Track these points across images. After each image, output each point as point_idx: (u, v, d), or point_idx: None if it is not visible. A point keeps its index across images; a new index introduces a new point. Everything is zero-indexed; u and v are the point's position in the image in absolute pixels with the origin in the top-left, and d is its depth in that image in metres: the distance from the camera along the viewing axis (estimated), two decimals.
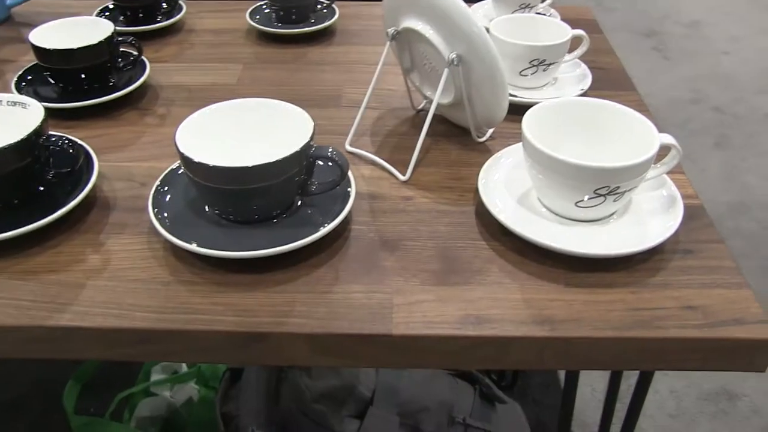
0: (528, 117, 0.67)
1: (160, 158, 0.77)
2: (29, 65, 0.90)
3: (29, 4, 1.11)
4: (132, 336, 0.58)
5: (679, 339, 0.58)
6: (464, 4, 0.71)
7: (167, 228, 0.63)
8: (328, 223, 0.64)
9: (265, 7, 1.07)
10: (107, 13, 1.07)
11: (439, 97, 0.74)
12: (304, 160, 0.64)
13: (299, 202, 0.68)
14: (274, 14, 1.05)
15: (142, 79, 0.87)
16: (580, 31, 0.89)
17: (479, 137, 0.81)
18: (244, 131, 0.68)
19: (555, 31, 0.88)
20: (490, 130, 0.81)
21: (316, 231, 0.63)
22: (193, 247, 0.61)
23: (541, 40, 0.86)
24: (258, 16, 1.06)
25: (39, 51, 0.83)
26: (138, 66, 0.89)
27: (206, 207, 0.67)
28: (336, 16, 1.05)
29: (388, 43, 0.78)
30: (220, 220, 0.66)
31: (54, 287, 0.61)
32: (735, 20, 2.98)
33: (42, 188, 0.69)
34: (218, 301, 0.60)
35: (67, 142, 0.68)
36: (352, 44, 1.03)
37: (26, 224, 0.64)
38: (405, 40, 0.78)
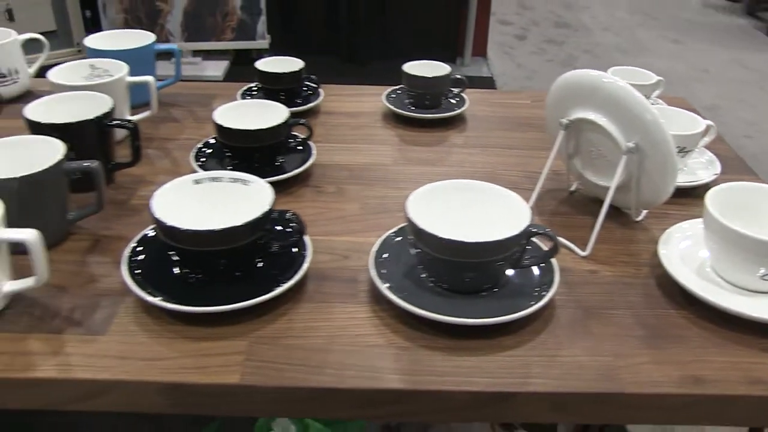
0: (710, 198, 0.74)
1: (352, 233, 0.83)
2: (201, 142, 0.96)
3: (172, 86, 1.18)
4: (387, 396, 0.63)
5: None
6: (639, 94, 0.79)
7: (400, 297, 0.69)
8: (545, 293, 0.70)
9: (399, 91, 1.15)
10: (252, 94, 1.14)
11: (616, 183, 0.81)
12: (525, 238, 0.70)
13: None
14: (407, 99, 1.13)
15: (313, 158, 0.93)
16: (709, 122, 0.97)
17: (636, 217, 0.87)
18: (460, 208, 0.74)
19: (685, 121, 0.96)
20: (645, 211, 0.88)
21: (534, 300, 0.69)
22: (433, 315, 0.67)
23: (674, 130, 0.93)
24: (394, 98, 1.14)
25: (222, 130, 0.90)
26: (305, 146, 0.96)
27: (422, 276, 0.73)
28: (467, 103, 1.13)
29: (561, 132, 0.86)
30: (435, 288, 0.72)
31: (299, 351, 0.66)
32: (747, 107, 3.15)
33: (262, 260, 0.74)
34: (460, 364, 0.65)
35: (292, 215, 0.73)
36: (486, 129, 1.11)
37: (258, 295, 0.69)
38: (574, 128, 0.86)
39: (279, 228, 0.76)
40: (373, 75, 3.09)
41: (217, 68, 3.10)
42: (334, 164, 0.98)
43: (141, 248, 0.76)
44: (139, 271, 0.72)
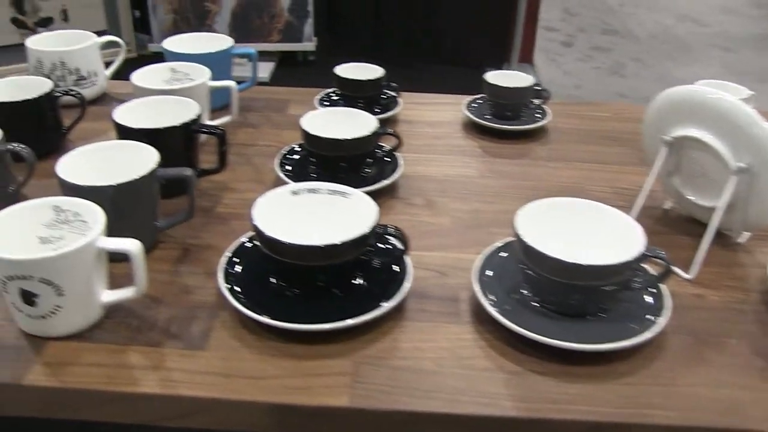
0: None
1: (447, 248, 0.81)
2: (285, 149, 0.95)
3: (245, 90, 1.16)
4: (505, 425, 0.61)
5: None
6: (751, 110, 0.75)
7: (508, 318, 0.66)
8: (657, 319, 0.67)
9: (480, 101, 1.13)
10: (331, 99, 1.12)
11: (724, 204, 0.77)
12: (640, 262, 0.67)
13: None
14: (488, 110, 1.10)
15: (401, 169, 0.91)
16: None
17: (738, 238, 0.84)
18: (569, 227, 0.72)
19: None
20: (748, 233, 0.85)
21: (645, 325, 0.67)
22: (546, 339, 0.64)
23: None
24: (475, 108, 1.11)
25: (310, 138, 0.88)
26: (391, 156, 0.94)
27: (526, 294, 0.70)
28: (550, 116, 1.10)
29: (664, 149, 0.83)
30: (540, 308, 0.69)
31: (408, 374, 0.64)
32: None
33: (361, 276, 0.72)
34: (575, 390, 0.62)
35: (395, 231, 0.71)
36: (568, 142, 1.08)
37: (361, 313, 0.67)
38: (676, 145, 0.83)
39: (379, 243, 0.74)
40: (420, 79, 3.07)
41: (263, 70, 3.09)
42: (419, 175, 0.96)
43: (236, 260, 0.74)
44: (236, 283, 0.70)
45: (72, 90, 0.99)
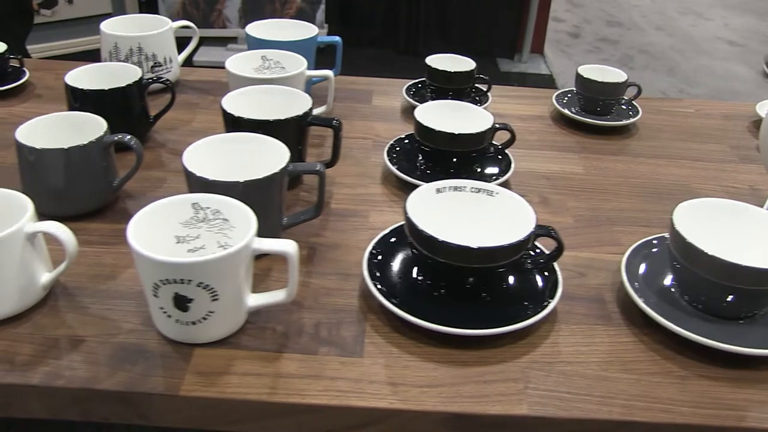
0: None
1: (576, 248, 0.79)
2: (393, 139, 0.93)
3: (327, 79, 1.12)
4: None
5: None
6: None
7: (669, 320, 0.65)
8: None
9: (569, 95, 1.11)
10: (416, 89, 1.09)
11: None
12: None
13: None
14: (577, 104, 1.08)
15: (513, 166, 0.89)
16: None
17: None
18: (727, 230, 0.70)
19: None
20: None
21: None
22: (714, 343, 0.63)
23: None
24: (565, 102, 1.09)
25: (424, 130, 0.85)
26: (501, 152, 0.91)
27: (675, 293, 0.69)
28: (641, 112, 1.08)
29: None
30: (689, 307, 0.68)
31: (579, 379, 0.62)
32: None
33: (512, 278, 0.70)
34: (745, 396, 0.61)
35: (551, 231, 0.69)
36: (662, 138, 1.06)
37: (519, 315, 0.65)
38: None
39: None
40: None
41: None
42: (526, 171, 0.94)
43: (375, 260, 0.71)
44: (382, 285, 0.68)
45: (161, 77, 0.95)
